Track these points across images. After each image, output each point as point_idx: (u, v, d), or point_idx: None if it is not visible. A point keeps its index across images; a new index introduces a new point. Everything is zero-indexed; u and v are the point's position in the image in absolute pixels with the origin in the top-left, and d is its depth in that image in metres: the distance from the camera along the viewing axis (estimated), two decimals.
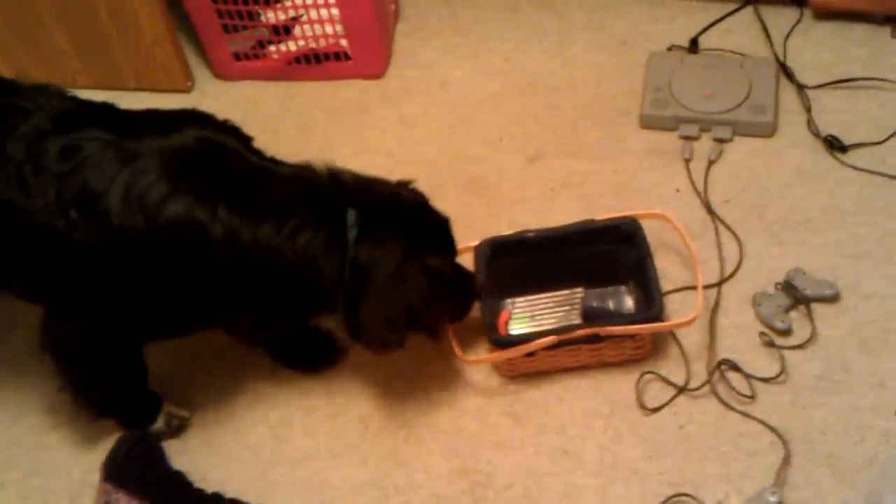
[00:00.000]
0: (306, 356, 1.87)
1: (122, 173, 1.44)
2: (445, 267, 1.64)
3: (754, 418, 1.70)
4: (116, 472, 1.67)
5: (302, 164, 1.59)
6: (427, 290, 1.59)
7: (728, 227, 1.94)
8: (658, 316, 1.70)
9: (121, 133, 1.48)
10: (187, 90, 2.35)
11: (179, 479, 1.71)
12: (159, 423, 1.79)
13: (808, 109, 2.09)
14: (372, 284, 1.54)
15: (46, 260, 1.50)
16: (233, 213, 1.46)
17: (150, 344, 1.74)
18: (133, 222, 1.44)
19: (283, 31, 2.28)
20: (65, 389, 1.73)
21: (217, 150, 1.51)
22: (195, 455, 1.79)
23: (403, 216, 1.59)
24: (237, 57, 2.32)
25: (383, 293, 1.55)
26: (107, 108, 1.57)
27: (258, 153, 1.58)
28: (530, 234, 1.83)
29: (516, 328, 1.81)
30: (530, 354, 1.72)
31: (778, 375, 1.73)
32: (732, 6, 2.28)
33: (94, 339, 1.61)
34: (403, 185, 1.65)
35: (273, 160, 1.58)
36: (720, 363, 1.75)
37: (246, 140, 1.59)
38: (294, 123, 2.26)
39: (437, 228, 1.65)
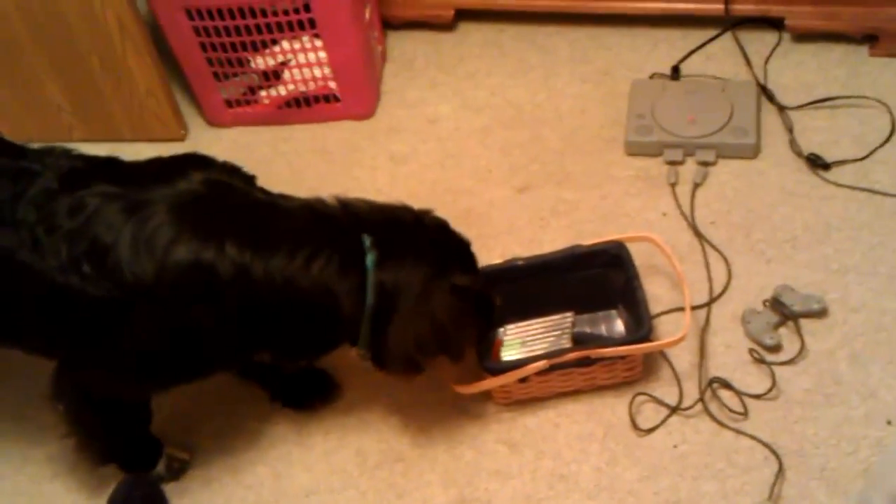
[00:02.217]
0: (302, 394, 1.88)
1: (129, 223, 1.46)
2: (471, 285, 1.65)
3: (747, 435, 1.71)
4: None
5: (311, 197, 1.61)
6: (455, 308, 1.60)
7: (715, 248, 1.97)
8: (647, 337, 1.72)
9: (126, 185, 1.50)
10: (181, 139, 2.39)
11: None
12: (160, 467, 1.80)
13: (790, 130, 2.12)
14: (401, 305, 1.55)
15: (64, 315, 1.51)
16: (242, 250, 1.47)
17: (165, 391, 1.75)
18: (143, 270, 1.45)
19: (272, 77, 2.32)
20: (70, 436, 1.74)
21: (222, 191, 1.54)
22: (196, 497, 1.80)
23: (424, 237, 1.61)
24: (229, 104, 2.36)
25: (411, 313, 1.56)
26: (111, 162, 1.60)
27: (264, 190, 1.60)
28: (520, 262, 1.86)
29: (508, 355, 1.83)
30: (523, 380, 1.74)
31: (769, 391, 1.74)
32: (712, 33, 2.32)
33: (108, 389, 1.63)
34: (424, 212, 1.67)
35: (281, 195, 1.60)
36: (711, 381, 1.77)
37: (249, 179, 1.62)
38: (286, 166, 2.30)
39: (459, 248, 1.67)
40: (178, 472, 1.82)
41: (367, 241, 1.55)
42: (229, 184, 1.56)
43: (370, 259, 1.54)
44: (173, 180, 1.52)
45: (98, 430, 1.74)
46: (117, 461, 1.79)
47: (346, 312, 1.55)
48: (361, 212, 1.61)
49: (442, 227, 1.66)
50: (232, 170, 1.62)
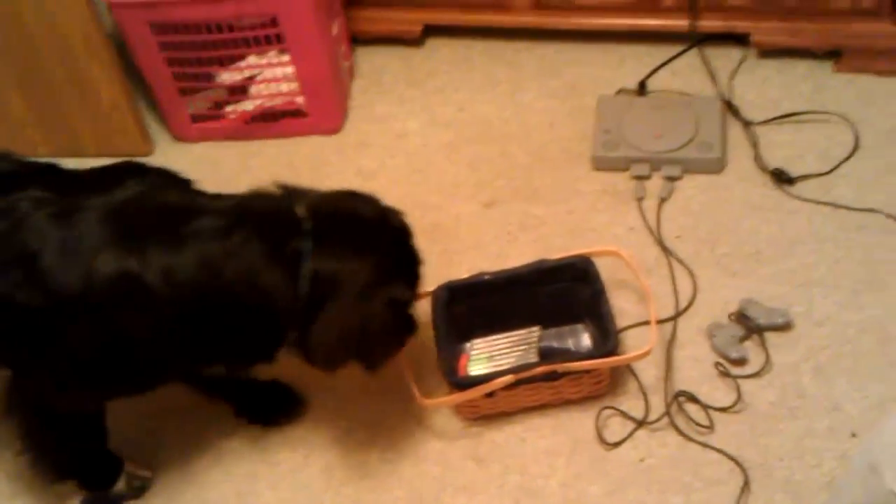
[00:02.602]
0: (268, 410, 1.87)
1: (58, 230, 1.45)
2: (408, 302, 1.64)
3: (713, 448, 1.71)
4: None
5: (253, 190, 1.58)
6: (387, 320, 1.58)
7: (681, 262, 1.97)
8: (614, 351, 1.72)
9: (60, 191, 1.49)
10: (147, 154, 2.37)
11: None
12: (121, 485, 1.78)
13: (755, 145, 2.14)
14: (338, 297, 1.51)
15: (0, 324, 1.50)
16: (168, 255, 1.45)
17: (113, 402, 1.73)
18: (70, 279, 1.43)
19: (239, 91, 2.32)
20: (25, 453, 1.72)
21: (155, 198, 1.52)
22: None
23: (379, 238, 1.58)
24: (195, 119, 2.35)
25: (345, 309, 1.52)
26: (49, 168, 1.59)
27: (201, 193, 1.58)
28: (486, 277, 1.86)
29: (475, 370, 1.82)
30: (490, 395, 1.74)
31: (734, 404, 1.74)
32: (678, 49, 2.33)
33: (55, 400, 1.61)
34: (392, 212, 1.63)
35: (217, 195, 1.58)
36: (677, 395, 1.77)
37: (186, 183, 1.60)
38: (254, 181, 2.23)
39: (411, 262, 1.64)
40: (139, 490, 1.79)
41: (306, 229, 1.51)
42: (163, 191, 1.54)
43: (305, 247, 1.50)
44: (108, 188, 1.50)
45: (52, 445, 1.71)
46: (75, 478, 1.77)
47: (281, 305, 1.50)
48: (311, 201, 1.56)
49: (402, 233, 1.63)
50: (168, 176, 1.61)
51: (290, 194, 1.57)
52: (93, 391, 1.61)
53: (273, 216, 1.54)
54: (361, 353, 1.62)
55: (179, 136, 2.40)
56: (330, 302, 1.51)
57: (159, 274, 1.45)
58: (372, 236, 1.57)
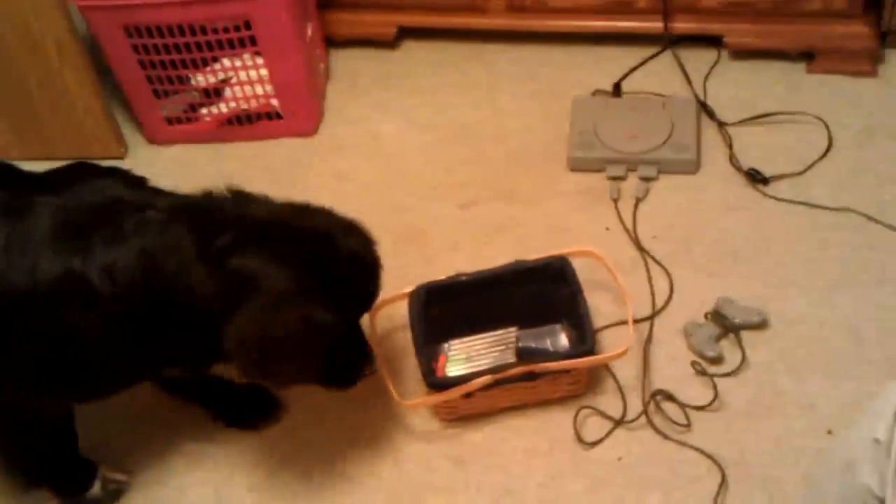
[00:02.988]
0: (245, 413, 1.86)
1: (5, 228, 1.44)
2: (329, 325, 1.49)
3: (690, 446, 1.72)
4: None
5: (201, 191, 1.56)
6: (296, 334, 1.48)
7: (657, 262, 1.98)
8: (591, 351, 1.73)
9: (11, 189, 1.49)
10: (121, 157, 2.36)
11: None
12: (96, 489, 1.76)
13: (730, 145, 2.15)
14: (251, 300, 1.45)
15: None
16: (107, 250, 1.44)
17: (83, 406, 1.70)
18: (14, 278, 1.42)
19: (213, 94, 2.30)
20: None
21: (105, 198, 1.50)
22: None
23: (305, 250, 1.50)
24: (169, 121, 2.34)
25: (253, 313, 1.45)
26: (4, 167, 1.57)
27: (146, 190, 1.56)
28: (463, 278, 1.86)
29: (453, 371, 1.82)
30: (468, 396, 1.74)
31: (711, 403, 1.75)
32: (653, 51, 2.34)
33: (13, 403, 1.58)
34: (349, 233, 1.58)
35: (163, 192, 1.57)
36: (655, 394, 1.78)
37: (139, 181, 1.59)
38: (229, 184, 2.27)
39: (345, 284, 1.54)
40: (115, 493, 1.78)
41: (235, 228, 1.47)
42: (112, 188, 1.53)
43: (227, 244, 1.46)
44: (59, 188, 1.50)
45: (21, 451, 1.69)
46: (47, 484, 1.75)
47: (204, 303, 1.46)
48: (252, 207, 1.52)
49: (352, 256, 1.55)
50: (121, 175, 1.59)
51: (237, 197, 1.55)
52: (50, 393, 1.57)
53: (207, 215, 1.50)
54: (259, 366, 1.52)
55: (153, 139, 2.38)
56: (244, 303, 1.45)
57: (102, 271, 1.43)
58: (302, 249, 1.50)
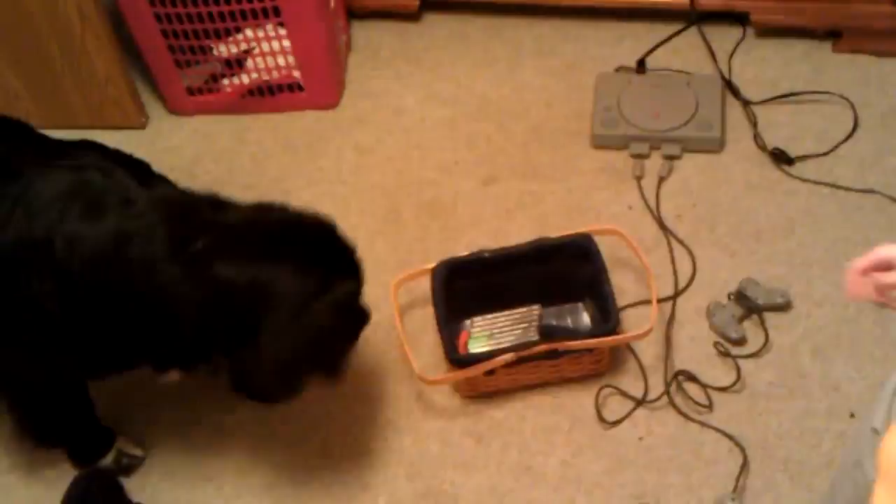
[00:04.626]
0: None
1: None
2: (354, 295, 1.54)
3: (712, 427, 1.72)
4: None
5: (186, 189, 1.55)
6: (335, 325, 1.49)
7: (680, 242, 1.97)
8: (614, 330, 1.72)
9: (11, 153, 1.50)
10: (141, 126, 2.35)
11: None
12: (108, 460, 1.77)
13: (755, 124, 2.14)
14: (271, 316, 1.43)
15: None
16: (78, 223, 1.43)
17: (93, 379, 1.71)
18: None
19: (235, 65, 2.29)
20: (11, 414, 1.72)
21: (92, 177, 1.49)
22: (156, 490, 1.78)
23: (296, 243, 1.49)
24: (190, 91, 2.33)
25: (285, 328, 1.44)
26: (18, 125, 1.59)
27: (136, 176, 1.53)
28: (486, 255, 1.85)
29: (475, 347, 1.82)
30: (490, 373, 1.74)
31: (734, 384, 1.75)
32: (677, 27, 2.32)
33: (24, 370, 1.59)
34: (304, 212, 1.54)
35: (154, 183, 1.55)
36: (677, 374, 1.77)
37: (139, 164, 1.58)
38: (249, 156, 2.27)
39: (341, 256, 1.54)
40: (127, 468, 1.79)
41: (205, 239, 1.45)
42: (107, 171, 1.50)
43: (197, 249, 1.44)
44: (51, 163, 1.49)
45: (31, 411, 1.70)
46: (62, 446, 1.76)
47: (176, 305, 1.43)
48: (223, 217, 1.49)
49: (322, 229, 1.53)
50: (124, 157, 1.58)
51: (215, 202, 1.52)
52: (34, 363, 1.56)
53: (184, 215, 1.48)
54: (317, 366, 1.54)
55: (174, 109, 2.37)
56: (263, 323, 1.43)
57: (66, 241, 1.42)
58: (294, 242, 1.48)
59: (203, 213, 1.49)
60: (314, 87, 2.30)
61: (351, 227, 1.59)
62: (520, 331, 1.82)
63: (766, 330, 1.81)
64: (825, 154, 2.07)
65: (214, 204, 1.52)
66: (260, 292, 1.43)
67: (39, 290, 1.44)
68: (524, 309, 1.86)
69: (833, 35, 2.26)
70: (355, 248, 1.55)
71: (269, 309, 1.43)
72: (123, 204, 1.46)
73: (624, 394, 1.78)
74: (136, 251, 1.43)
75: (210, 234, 1.45)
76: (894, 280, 1.22)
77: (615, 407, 1.77)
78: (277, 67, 2.28)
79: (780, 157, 2.07)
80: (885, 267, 1.25)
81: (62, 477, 1.76)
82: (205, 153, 2.27)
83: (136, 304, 1.45)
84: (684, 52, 2.30)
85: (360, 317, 1.63)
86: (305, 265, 1.47)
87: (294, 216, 1.52)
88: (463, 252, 1.89)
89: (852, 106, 2.14)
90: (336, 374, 1.60)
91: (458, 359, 1.74)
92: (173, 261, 1.43)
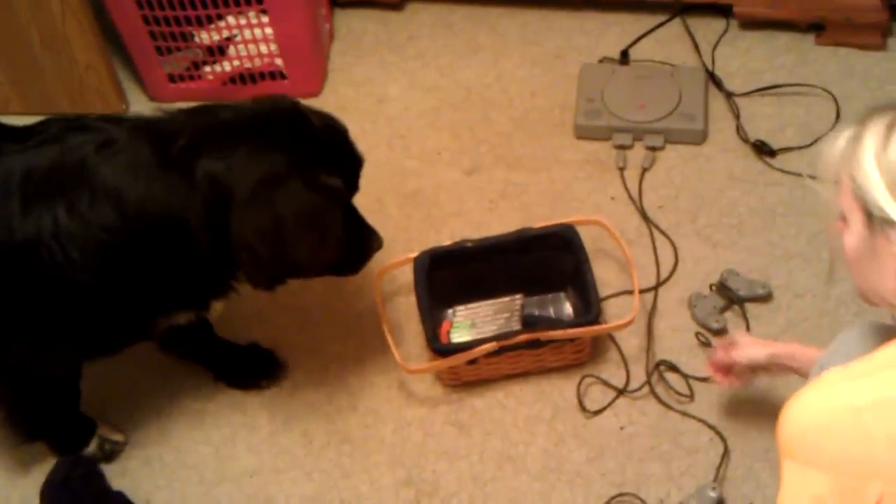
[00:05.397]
0: (246, 373, 1.85)
1: None
2: (339, 187, 1.50)
3: (693, 417, 1.72)
4: (56, 495, 1.65)
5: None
6: (305, 202, 1.43)
7: (663, 233, 1.98)
8: (596, 319, 1.73)
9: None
10: (122, 113, 2.33)
11: (121, 500, 1.69)
12: (92, 447, 1.76)
13: (737, 116, 2.14)
14: (241, 191, 1.39)
15: None
16: (78, 195, 1.41)
17: (90, 364, 1.69)
18: None
19: (217, 52, 2.28)
20: None
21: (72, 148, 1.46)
22: (136, 476, 1.77)
23: (272, 127, 1.46)
24: (172, 78, 2.31)
25: (249, 200, 1.39)
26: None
27: (113, 120, 1.51)
28: (469, 245, 1.85)
29: (458, 337, 1.82)
30: (472, 362, 1.74)
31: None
32: (662, 18, 2.33)
33: (22, 359, 1.57)
34: (316, 112, 1.54)
35: (125, 118, 1.52)
36: (658, 364, 1.78)
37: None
38: None
39: (336, 149, 1.53)
40: (110, 454, 1.78)
41: (182, 139, 1.42)
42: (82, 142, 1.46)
43: (178, 148, 1.41)
44: (27, 146, 1.46)
45: (23, 404, 1.68)
46: (45, 438, 1.76)
47: (188, 216, 1.41)
48: (202, 118, 1.47)
49: (326, 128, 1.54)
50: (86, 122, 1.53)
51: (194, 109, 1.50)
52: (52, 345, 1.54)
53: (162, 127, 1.46)
54: (281, 250, 1.45)
55: (155, 96, 2.35)
56: (231, 199, 1.40)
57: (66, 211, 1.40)
58: (277, 133, 1.44)
59: (178, 121, 1.46)
60: (296, 75, 2.29)
61: None
62: (502, 320, 1.82)
63: (747, 321, 1.82)
64: (807, 146, 2.08)
65: (192, 110, 1.49)
66: (240, 176, 1.40)
67: (64, 262, 1.40)
68: (506, 298, 1.86)
69: (816, 28, 2.27)
70: (361, 158, 1.57)
71: (236, 190, 1.40)
72: (106, 149, 1.43)
73: (605, 383, 1.78)
74: (137, 186, 1.40)
75: (186, 135, 1.42)
76: (738, 360, 1.57)
77: (597, 396, 1.78)
78: (260, 55, 2.27)
79: (763, 149, 2.07)
80: (728, 367, 1.61)
81: (40, 463, 1.76)
82: None
83: (156, 239, 1.43)
84: (668, 43, 2.31)
85: (357, 222, 1.59)
86: (289, 152, 1.43)
87: (289, 110, 1.50)
88: (446, 241, 1.89)
89: (835, 99, 2.14)
90: (308, 265, 1.52)
91: (440, 348, 1.74)
92: (163, 169, 1.40)
